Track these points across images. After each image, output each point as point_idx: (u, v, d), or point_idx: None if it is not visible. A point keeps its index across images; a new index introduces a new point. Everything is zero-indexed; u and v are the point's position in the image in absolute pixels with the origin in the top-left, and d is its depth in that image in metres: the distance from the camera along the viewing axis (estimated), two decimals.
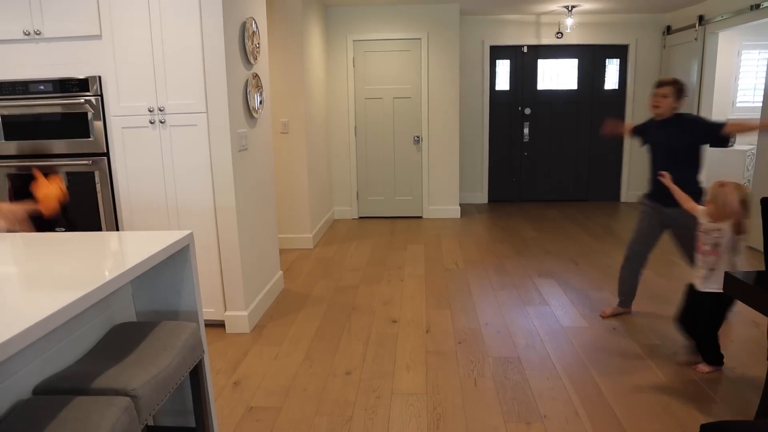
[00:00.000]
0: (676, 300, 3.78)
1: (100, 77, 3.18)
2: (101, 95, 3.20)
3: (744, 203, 2.53)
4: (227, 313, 3.38)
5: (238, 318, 3.39)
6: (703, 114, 6.04)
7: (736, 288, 2.17)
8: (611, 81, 7.19)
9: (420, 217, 6.63)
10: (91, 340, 1.80)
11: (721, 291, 2.59)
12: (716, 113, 6.41)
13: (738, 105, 6.99)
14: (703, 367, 2.80)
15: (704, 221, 2.70)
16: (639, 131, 3.39)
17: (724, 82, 6.80)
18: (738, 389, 2.62)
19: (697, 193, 3.00)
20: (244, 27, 3.39)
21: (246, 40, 3.41)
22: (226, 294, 3.37)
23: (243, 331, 3.39)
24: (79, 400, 1.39)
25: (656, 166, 3.21)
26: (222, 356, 3.10)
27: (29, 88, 3.22)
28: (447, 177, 6.55)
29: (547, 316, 3.57)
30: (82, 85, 3.20)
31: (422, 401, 2.58)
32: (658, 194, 3.20)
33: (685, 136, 3.06)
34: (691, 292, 2.82)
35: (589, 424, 2.37)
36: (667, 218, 3.20)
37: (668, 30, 6.72)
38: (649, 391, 2.62)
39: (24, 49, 3.19)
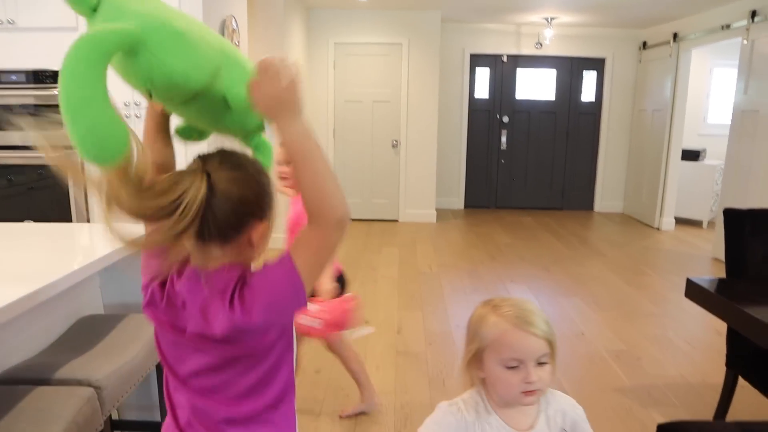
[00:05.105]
0: (643, 307, 3.86)
1: None
2: None
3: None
4: None
5: None
6: (675, 130, 6.17)
7: (697, 294, 2.23)
8: (588, 93, 7.32)
9: (396, 221, 6.66)
10: (56, 332, 1.78)
11: None
12: (688, 129, 6.56)
13: (709, 122, 7.17)
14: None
15: None
16: None
17: (697, 99, 6.98)
18: (699, 394, 2.69)
19: None
20: (224, 24, 3.38)
21: (225, 38, 3.40)
22: None
23: None
24: (41, 391, 1.38)
25: None
26: None
27: (1, 77, 3.17)
28: (424, 181, 6.59)
29: None
30: (56, 76, 3.14)
31: (390, 400, 2.60)
32: None
33: None
34: None
35: None
36: None
37: (644, 45, 6.87)
38: (612, 394, 2.68)
39: None
